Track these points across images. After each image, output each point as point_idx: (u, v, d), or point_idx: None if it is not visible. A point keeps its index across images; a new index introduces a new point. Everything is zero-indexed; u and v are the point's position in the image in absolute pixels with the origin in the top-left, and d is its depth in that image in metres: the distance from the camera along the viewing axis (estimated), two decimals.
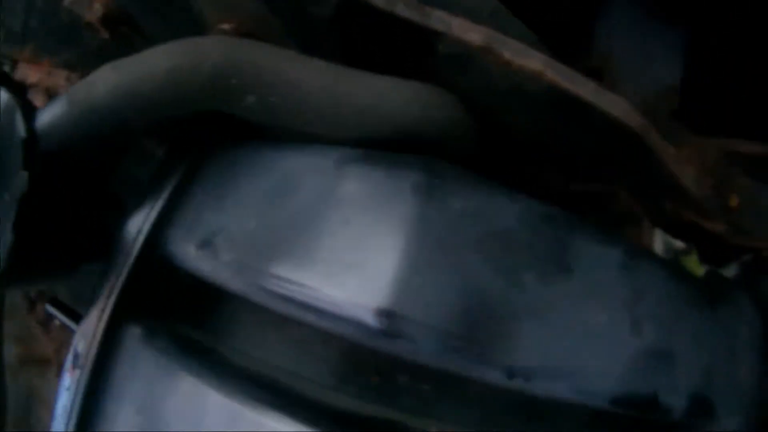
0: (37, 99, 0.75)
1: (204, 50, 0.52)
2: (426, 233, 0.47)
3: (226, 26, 0.62)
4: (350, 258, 0.47)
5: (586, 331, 0.51)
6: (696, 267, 0.63)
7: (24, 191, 0.51)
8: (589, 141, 0.58)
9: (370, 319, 0.46)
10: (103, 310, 0.54)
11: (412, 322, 0.46)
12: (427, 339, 0.46)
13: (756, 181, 0.64)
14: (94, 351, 0.51)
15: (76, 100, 0.54)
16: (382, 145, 0.52)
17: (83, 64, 0.78)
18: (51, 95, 0.76)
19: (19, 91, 0.56)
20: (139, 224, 0.54)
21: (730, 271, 0.65)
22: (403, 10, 0.53)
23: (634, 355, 0.52)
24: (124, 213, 0.57)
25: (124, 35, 0.71)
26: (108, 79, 0.53)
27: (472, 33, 0.53)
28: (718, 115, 0.70)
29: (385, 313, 0.46)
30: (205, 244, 0.51)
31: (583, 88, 0.54)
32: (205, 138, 0.57)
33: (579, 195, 0.62)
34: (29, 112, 0.54)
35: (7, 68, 0.81)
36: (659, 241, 0.64)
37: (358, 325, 0.46)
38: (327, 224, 0.48)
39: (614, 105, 0.55)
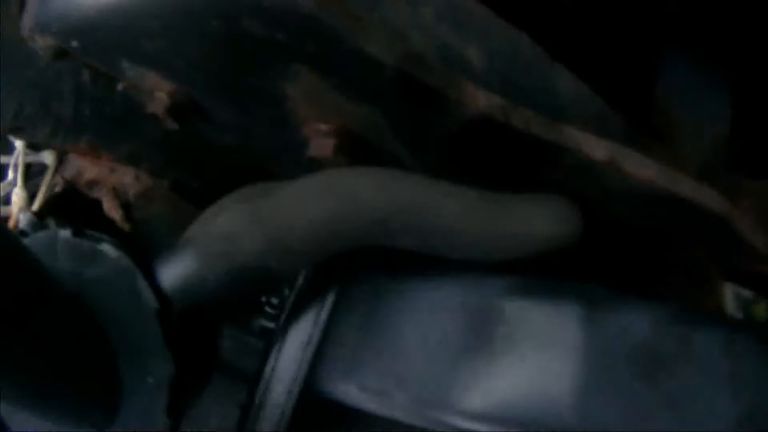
0: (105, 199, 0.70)
1: (360, 194, 0.52)
2: (591, 361, 0.52)
3: (323, 126, 0.61)
4: (530, 389, 0.51)
5: (700, 413, 0.58)
6: (764, 313, 0.71)
7: (173, 374, 0.47)
8: (683, 224, 0.63)
9: None
10: None
11: None
12: None
13: None
14: None
15: (213, 257, 0.50)
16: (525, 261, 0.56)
17: (147, 156, 0.72)
18: (119, 195, 0.71)
19: (125, 242, 0.51)
20: (295, 358, 0.54)
21: None
22: (538, 129, 0.55)
23: (736, 419, 0.60)
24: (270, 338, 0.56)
25: (192, 124, 0.66)
26: (254, 237, 0.50)
27: (598, 149, 0.56)
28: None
29: None
30: (371, 387, 0.53)
31: (686, 188, 0.60)
32: (350, 262, 0.56)
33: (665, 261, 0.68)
34: (149, 272, 0.49)
35: (50, 160, 0.74)
36: (730, 292, 0.71)
37: None
38: (502, 360, 0.52)
39: (710, 198, 0.61)
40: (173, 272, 0.50)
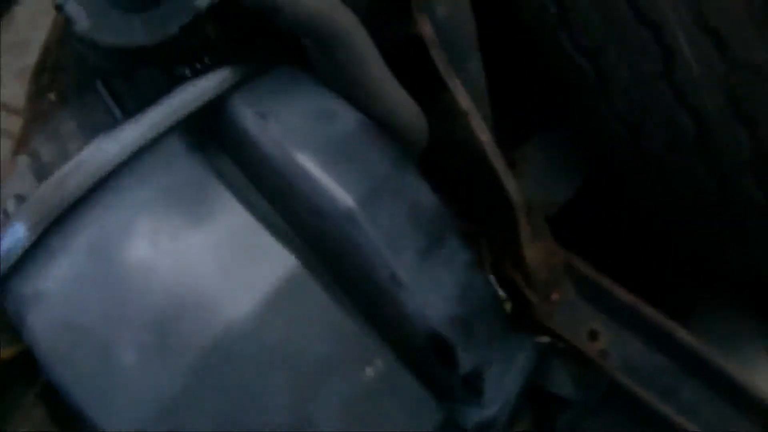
0: None
1: None
2: None
3: None
4: None
5: None
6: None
7: None
8: (481, 192, 0.89)
9: None
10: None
11: None
12: None
13: (577, 294, 0.93)
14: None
15: None
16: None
17: None
18: None
19: None
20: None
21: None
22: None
23: None
24: None
25: None
26: None
27: (463, 100, 0.84)
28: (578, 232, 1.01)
29: None
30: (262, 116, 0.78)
31: (500, 165, 0.86)
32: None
33: None
34: None
35: None
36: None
37: None
38: None
39: (513, 187, 0.87)
40: None
